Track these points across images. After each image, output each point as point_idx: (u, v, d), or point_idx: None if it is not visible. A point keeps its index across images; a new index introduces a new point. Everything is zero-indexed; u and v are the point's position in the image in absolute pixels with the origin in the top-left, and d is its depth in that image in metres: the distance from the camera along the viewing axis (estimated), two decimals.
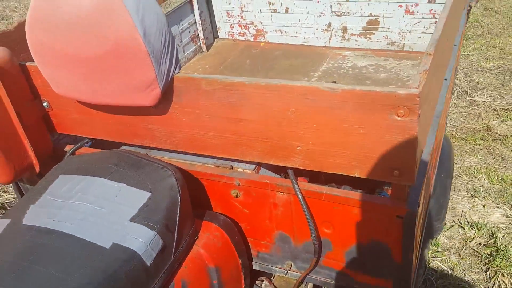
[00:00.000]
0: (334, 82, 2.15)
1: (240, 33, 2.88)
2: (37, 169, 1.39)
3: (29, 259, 0.99)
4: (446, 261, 2.30)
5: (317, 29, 2.65)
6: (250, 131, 1.15)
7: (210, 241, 1.27)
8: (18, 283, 0.94)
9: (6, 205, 2.71)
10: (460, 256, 2.33)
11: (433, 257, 2.30)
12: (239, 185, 1.28)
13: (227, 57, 2.74)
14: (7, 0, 6.15)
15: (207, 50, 2.83)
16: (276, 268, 1.41)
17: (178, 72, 1.18)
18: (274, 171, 1.36)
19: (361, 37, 2.56)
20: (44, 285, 0.93)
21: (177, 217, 1.15)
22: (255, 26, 2.80)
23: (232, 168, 1.31)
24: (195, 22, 2.73)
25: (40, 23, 1.12)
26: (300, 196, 1.17)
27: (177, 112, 1.22)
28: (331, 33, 2.63)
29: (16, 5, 5.86)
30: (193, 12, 2.69)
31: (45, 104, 1.38)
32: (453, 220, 2.53)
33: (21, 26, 1.66)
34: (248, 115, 1.13)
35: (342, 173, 1.11)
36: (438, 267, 2.24)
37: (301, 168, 1.16)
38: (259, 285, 1.46)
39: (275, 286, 1.42)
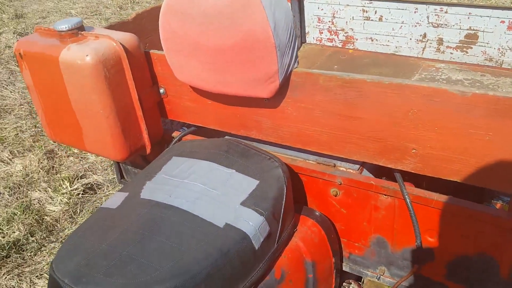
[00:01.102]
0: None
1: (329, 39, 2.89)
2: (148, 151, 1.48)
3: (150, 229, 1.06)
4: None
5: (410, 39, 2.61)
6: (363, 130, 1.16)
7: (308, 235, 1.29)
8: (141, 250, 1.01)
9: (94, 186, 2.90)
10: None
11: None
12: (340, 184, 1.29)
13: (315, 62, 2.76)
14: None
15: None
16: (368, 272, 1.40)
17: (296, 67, 1.21)
18: (375, 174, 1.36)
19: (457, 51, 2.48)
20: (165, 254, 0.99)
21: (282, 207, 1.18)
22: (346, 32, 2.81)
23: (335, 166, 1.32)
24: None
25: (175, 13, 1.20)
26: (408, 201, 1.16)
27: (289, 106, 1.25)
28: (425, 44, 2.58)
29: (109, 2, 6.26)
30: None
31: (161, 90, 1.47)
32: None
33: (138, 17, 1.79)
34: (363, 114, 1.14)
35: (458, 181, 1.09)
36: None
37: (413, 172, 1.15)
38: (346, 287, 1.46)
39: None
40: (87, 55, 1.25)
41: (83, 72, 1.27)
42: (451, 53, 2.50)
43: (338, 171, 1.31)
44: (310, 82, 1.18)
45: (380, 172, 1.33)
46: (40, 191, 2.88)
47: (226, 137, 1.54)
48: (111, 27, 1.60)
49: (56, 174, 3.01)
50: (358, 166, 1.31)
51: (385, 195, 1.23)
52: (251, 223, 1.09)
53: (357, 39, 2.79)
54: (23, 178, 2.98)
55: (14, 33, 5.14)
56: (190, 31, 1.19)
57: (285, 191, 1.20)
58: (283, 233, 1.20)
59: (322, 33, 2.89)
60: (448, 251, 1.20)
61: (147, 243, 1.02)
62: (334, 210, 1.36)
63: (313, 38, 2.94)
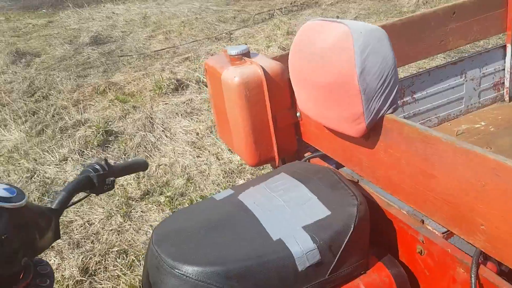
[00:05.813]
0: None
1: None
2: (277, 163, 1.70)
3: (221, 222, 1.29)
4: None
5: None
6: (438, 190, 1.08)
7: (375, 282, 1.26)
8: (204, 235, 1.24)
9: None
10: None
11: None
12: (423, 242, 1.21)
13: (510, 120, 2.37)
14: None
15: (510, 101, 2.52)
16: None
17: (391, 113, 1.21)
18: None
19: None
20: (215, 244, 1.20)
21: (343, 244, 1.21)
22: None
23: (423, 223, 1.24)
24: (503, 69, 2.48)
25: (298, 51, 1.39)
26: (473, 281, 1.02)
27: (381, 150, 1.26)
28: None
29: None
30: (504, 58, 2.45)
31: (298, 114, 1.67)
32: None
33: None
34: (438, 173, 1.07)
35: None
36: None
37: (483, 250, 1.01)
38: None
39: None
40: (235, 77, 1.57)
41: (231, 90, 1.60)
42: None
43: (423, 229, 1.22)
44: (396, 130, 1.17)
45: None
46: (243, 179, 3.46)
47: (344, 168, 1.61)
48: (276, 58, 1.86)
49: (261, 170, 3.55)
50: (446, 229, 1.19)
51: (462, 269, 1.10)
52: (301, 246, 1.19)
53: None
54: (237, 167, 3.63)
55: (278, 48, 6.09)
56: (303, 67, 1.35)
57: (351, 230, 1.22)
58: (341, 269, 1.23)
59: None
60: None
61: (212, 232, 1.25)
62: (418, 268, 1.28)
63: None
